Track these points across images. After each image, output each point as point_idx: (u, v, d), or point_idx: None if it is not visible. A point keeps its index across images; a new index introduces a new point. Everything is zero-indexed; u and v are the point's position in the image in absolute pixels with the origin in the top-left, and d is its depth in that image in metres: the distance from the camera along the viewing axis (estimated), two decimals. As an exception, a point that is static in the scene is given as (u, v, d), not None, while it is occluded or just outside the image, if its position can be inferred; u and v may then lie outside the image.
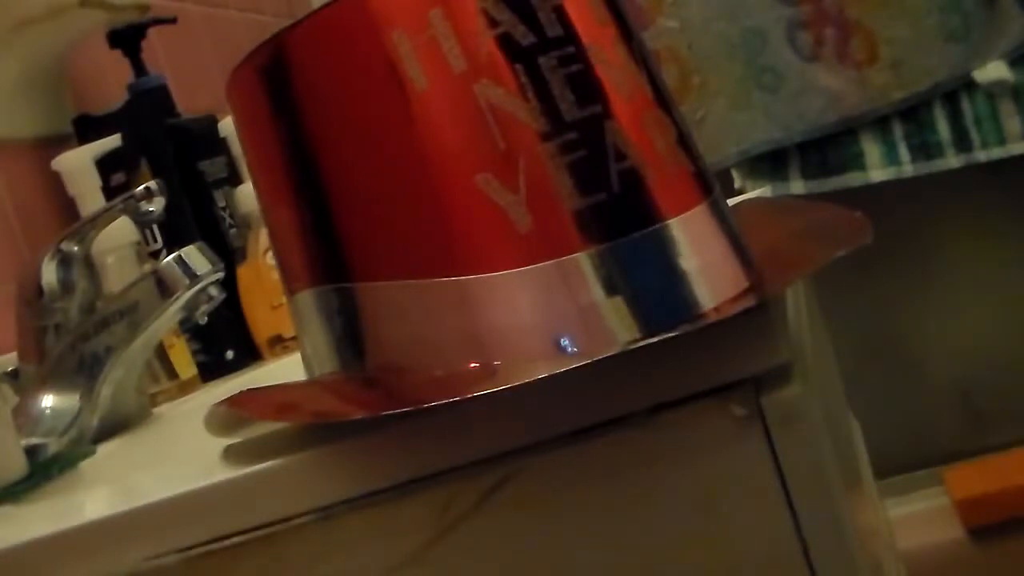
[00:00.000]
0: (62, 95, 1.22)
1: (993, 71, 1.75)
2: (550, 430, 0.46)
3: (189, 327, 1.05)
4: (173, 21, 1.25)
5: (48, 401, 0.82)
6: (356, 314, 0.46)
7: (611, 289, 0.44)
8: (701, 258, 0.45)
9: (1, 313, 0.90)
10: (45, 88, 1.20)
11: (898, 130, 1.81)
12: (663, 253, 0.45)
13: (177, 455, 0.54)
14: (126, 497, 0.51)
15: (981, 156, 1.86)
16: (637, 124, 0.46)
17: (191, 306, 0.83)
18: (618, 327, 0.44)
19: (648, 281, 0.44)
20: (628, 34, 0.48)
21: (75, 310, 0.84)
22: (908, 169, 1.88)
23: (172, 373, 1.00)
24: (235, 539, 0.48)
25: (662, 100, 0.47)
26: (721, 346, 0.45)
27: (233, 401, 0.49)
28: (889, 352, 2.11)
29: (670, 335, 0.43)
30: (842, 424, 0.93)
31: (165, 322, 0.83)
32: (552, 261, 0.44)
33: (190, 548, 0.48)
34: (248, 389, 0.50)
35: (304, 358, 0.51)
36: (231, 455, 0.51)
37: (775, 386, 0.45)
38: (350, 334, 0.47)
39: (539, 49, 0.45)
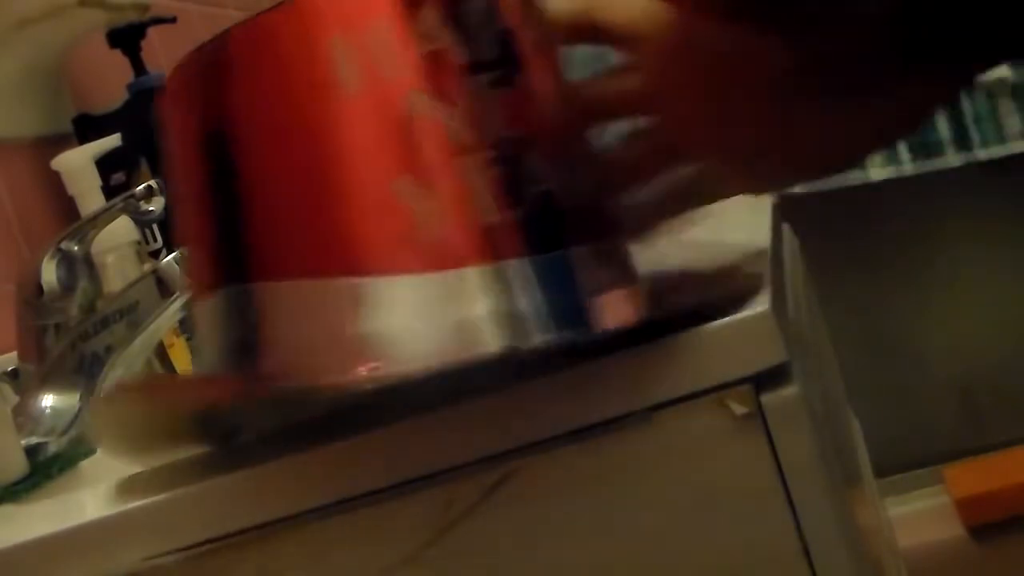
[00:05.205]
0: (62, 95, 1.22)
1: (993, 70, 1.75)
2: (550, 430, 0.46)
3: (189, 327, 1.05)
4: (173, 20, 1.25)
5: (48, 401, 0.82)
6: (252, 315, 0.46)
7: (507, 303, 0.44)
8: (599, 289, 0.46)
9: (1, 313, 0.90)
10: (45, 88, 1.20)
11: (898, 129, 1.80)
12: (563, 278, 0.45)
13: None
14: (126, 497, 0.51)
15: (981, 154, 1.86)
16: (555, 154, 0.46)
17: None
18: (508, 339, 0.44)
19: (545, 302, 0.44)
20: (552, 68, 0.49)
21: (75, 310, 0.83)
22: (908, 167, 1.88)
23: (172, 373, 1.00)
24: (235, 539, 0.48)
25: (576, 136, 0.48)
26: (721, 345, 0.45)
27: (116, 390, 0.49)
28: (889, 350, 2.11)
29: (549, 343, 0.43)
30: (842, 422, 0.93)
31: (165, 322, 0.83)
32: (453, 271, 0.44)
33: (190, 548, 0.48)
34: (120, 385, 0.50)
35: (200, 363, 0.51)
36: (231, 455, 0.51)
37: (775, 385, 0.45)
38: (244, 336, 0.47)
39: (474, 69, 0.46)
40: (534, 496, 0.46)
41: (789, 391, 0.45)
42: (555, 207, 0.46)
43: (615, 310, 0.45)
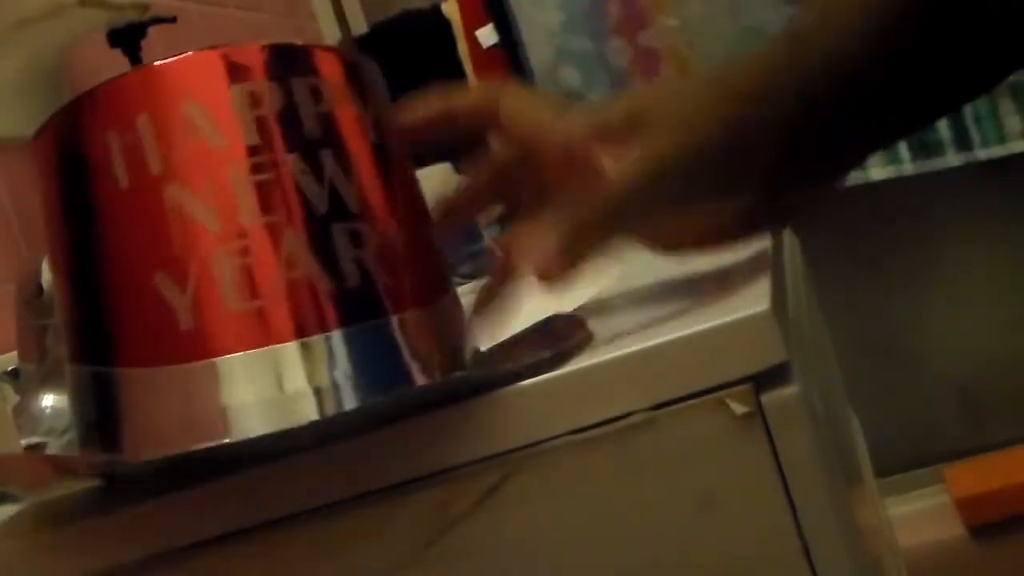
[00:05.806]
0: (62, 95, 1.22)
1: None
2: (550, 430, 0.46)
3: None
4: (173, 20, 1.25)
5: (48, 400, 0.82)
6: (99, 397, 0.48)
7: (319, 374, 0.45)
8: (414, 353, 0.47)
9: (1, 312, 0.90)
10: (45, 88, 1.20)
11: (898, 128, 1.80)
12: (371, 346, 0.46)
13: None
14: (124, 495, 0.51)
15: (981, 154, 1.86)
16: (319, 237, 0.46)
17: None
18: (321, 409, 0.45)
19: (355, 370, 0.45)
20: (342, 150, 0.49)
21: (75, 310, 0.83)
22: (908, 167, 1.88)
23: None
24: (235, 538, 0.48)
25: (368, 214, 0.48)
26: (721, 345, 0.45)
27: None
28: (889, 350, 2.11)
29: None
30: (843, 422, 0.93)
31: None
32: (203, 361, 0.45)
33: (190, 546, 0.48)
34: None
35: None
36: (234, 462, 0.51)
37: (776, 384, 0.45)
38: (99, 415, 0.48)
39: (231, 157, 0.46)
40: (534, 496, 0.46)
41: (789, 391, 0.45)
42: (313, 292, 0.46)
43: (428, 370, 0.47)
